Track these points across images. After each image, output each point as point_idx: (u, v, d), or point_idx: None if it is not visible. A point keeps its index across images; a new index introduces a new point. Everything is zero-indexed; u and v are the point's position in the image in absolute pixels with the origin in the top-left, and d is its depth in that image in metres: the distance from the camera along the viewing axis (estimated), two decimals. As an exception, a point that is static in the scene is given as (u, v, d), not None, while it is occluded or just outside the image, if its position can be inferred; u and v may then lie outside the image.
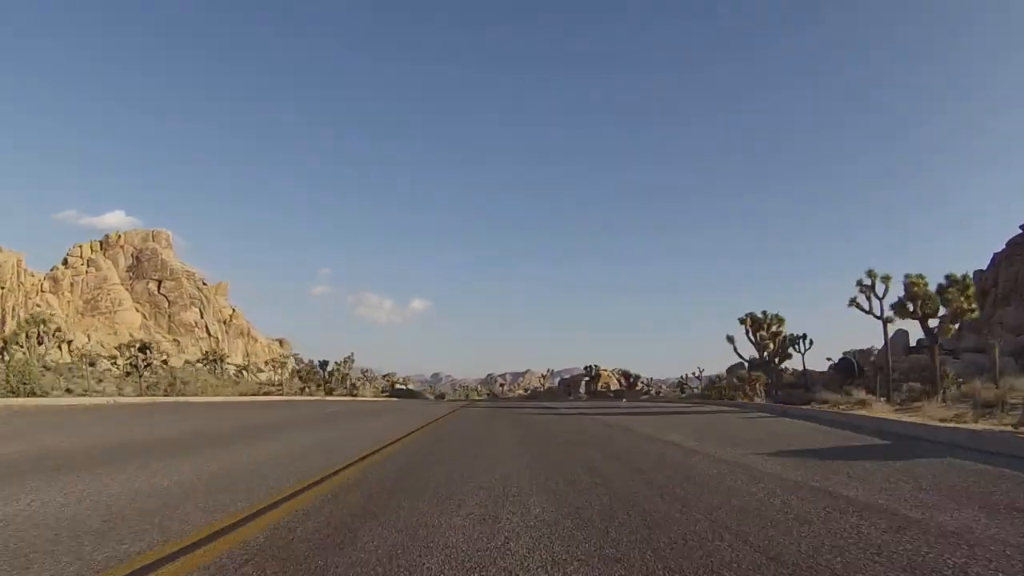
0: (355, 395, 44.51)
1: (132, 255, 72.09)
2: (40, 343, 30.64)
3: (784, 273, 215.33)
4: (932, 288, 15.64)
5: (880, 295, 17.26)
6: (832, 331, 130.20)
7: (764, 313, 24.78)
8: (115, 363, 34.44)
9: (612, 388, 58.01)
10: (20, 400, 16.28)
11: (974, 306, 14.62)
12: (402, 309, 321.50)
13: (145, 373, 28.51)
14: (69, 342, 55.90)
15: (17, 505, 3.75)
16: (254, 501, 4.00)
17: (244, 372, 53.84)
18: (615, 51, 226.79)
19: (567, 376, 71.65)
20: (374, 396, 47.58)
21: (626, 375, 59.08)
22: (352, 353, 47.47)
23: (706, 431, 10.68)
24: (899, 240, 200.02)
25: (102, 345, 57.74)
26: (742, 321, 25.16)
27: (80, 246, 70.48)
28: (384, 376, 64.71)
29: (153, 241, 74.02)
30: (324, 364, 45.31)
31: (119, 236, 73.50)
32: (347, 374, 47.18)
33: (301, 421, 13.02)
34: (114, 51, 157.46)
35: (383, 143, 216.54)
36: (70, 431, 9.54)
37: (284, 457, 6.51)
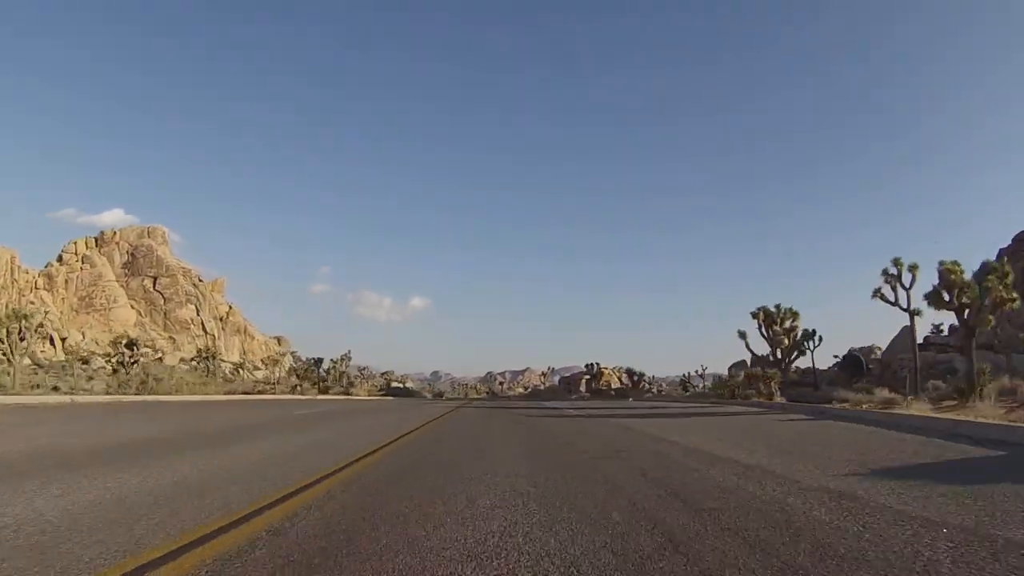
0: (350, 394, 43.36)
1: (127, 252, 71.04)
2: (22, 339, 29.57)
3: (784, 273, 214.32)
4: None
5: (907, 285, 16.03)
6: (832, 330, 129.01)
7: (778, 307, 23.54)
8: (109, 360, 33.48)
9: (614, 386, 56.80)
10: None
11: (1014, 295, 13.35)
12: (402, 307, 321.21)
13: (133, 370, 27.41)
14: (64, 339, 55.05)
15: None
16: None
17: (240, 370, 52.73)
18: (615, 51, 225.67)
19: (567, 374, 70.32)
20: (368, 395, 46.33)
21: (630, 373, 57.87)
22: (349, 351, 46.52)
23: (763, 440, 8.24)
24: (899, 240, 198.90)
25: (96, 343, 56.72)
26: (754, 315, 23.89)
27: (75, 243, 69.34)
28: (382, 374, 63.63)
29: (149, 238, 72.98)
30: (320, 362, 44.25)
31: (114, 233, 72.46)
32: (344, 372, 46.12)
33: (254, 427, 10.41)
34: (114, 51, 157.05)
35: (383, 143, 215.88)
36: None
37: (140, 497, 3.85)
